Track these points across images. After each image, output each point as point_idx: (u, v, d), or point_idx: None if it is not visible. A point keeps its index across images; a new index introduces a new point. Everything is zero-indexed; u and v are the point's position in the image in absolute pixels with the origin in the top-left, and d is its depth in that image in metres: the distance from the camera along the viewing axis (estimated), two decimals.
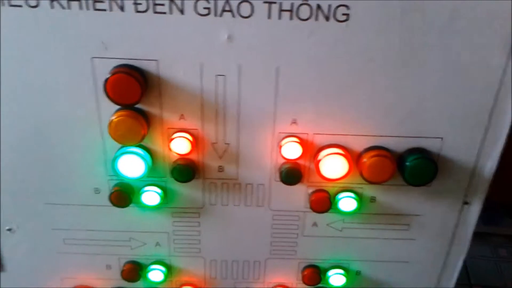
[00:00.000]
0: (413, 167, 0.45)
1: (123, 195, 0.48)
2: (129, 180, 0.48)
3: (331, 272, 0.55)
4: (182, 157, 0.47)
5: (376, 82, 0.43)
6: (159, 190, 0.49)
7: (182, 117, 0.45)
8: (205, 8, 0.40)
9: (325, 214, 0.50)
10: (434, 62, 0.42)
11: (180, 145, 0.46)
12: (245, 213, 0.51)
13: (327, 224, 0.52)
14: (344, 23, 0.40)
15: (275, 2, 0.40)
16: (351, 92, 0.44)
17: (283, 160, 0.47)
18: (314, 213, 0.50)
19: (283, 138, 0.46)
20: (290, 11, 0.40)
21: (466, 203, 0.50)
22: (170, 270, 0.56)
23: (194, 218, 0.52)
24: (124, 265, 0.55)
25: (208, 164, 0.48)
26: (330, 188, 0.49)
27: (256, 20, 0.40)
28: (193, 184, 0.49)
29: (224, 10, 0.40)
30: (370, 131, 0.46)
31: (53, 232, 0.53)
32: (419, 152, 0.46)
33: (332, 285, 0.56)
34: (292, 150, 0.46)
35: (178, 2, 0.40)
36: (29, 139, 0.47)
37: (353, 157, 0.46)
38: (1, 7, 0.40)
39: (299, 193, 0.50)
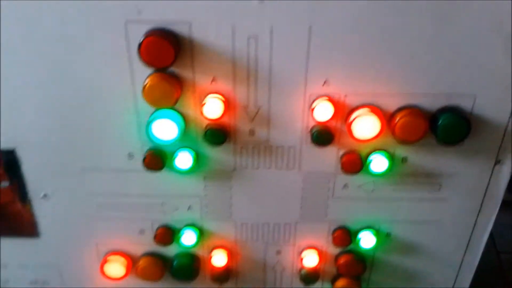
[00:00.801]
0: (445, 125, 0.45)
1: (156, 159, 0.49)
2: (162, 144, 0.48)
3: (361, 234, 0.55)
4: (214, 121, 0.47)
5: (410, 39, 0.43)
6: (191, 154, 0.50)
7: (214, 80, 0.45)
8: None
9: (356, 175, 0.50)
10: (469, 18, 0.41)
11: (213, 107, 0.46)
12: (276, 176, 0.52)
13: (358, 186, 0.52)
14: None
15: None
16: (384, 49, 0.43)
17: (314, 123, 0.47)
18: (345, 175, 0.50)
19: (314, 100, 0.46)
20: None
21: (498, 161, 0.50)
22: (202, 233, 0.56)
23: (225, 182, 0.52)
24: (157, 230, 0.56)
25: (240, 127, 0.49)
26: (362, 149, 0.49)
27: None
28: (225, 147, 0.49)
29: None
30: (402, 89, 0.45)
31: (87, 197, 0.54)
32: (452, 111, 0.46)
33: (362, 247, 0.56)
34: (323, 111, 0.46)
35: None
36: (64, 105, 0.47)
37: (385, 117, 0.46)
38: None
39: (330, 155, 0.50)
